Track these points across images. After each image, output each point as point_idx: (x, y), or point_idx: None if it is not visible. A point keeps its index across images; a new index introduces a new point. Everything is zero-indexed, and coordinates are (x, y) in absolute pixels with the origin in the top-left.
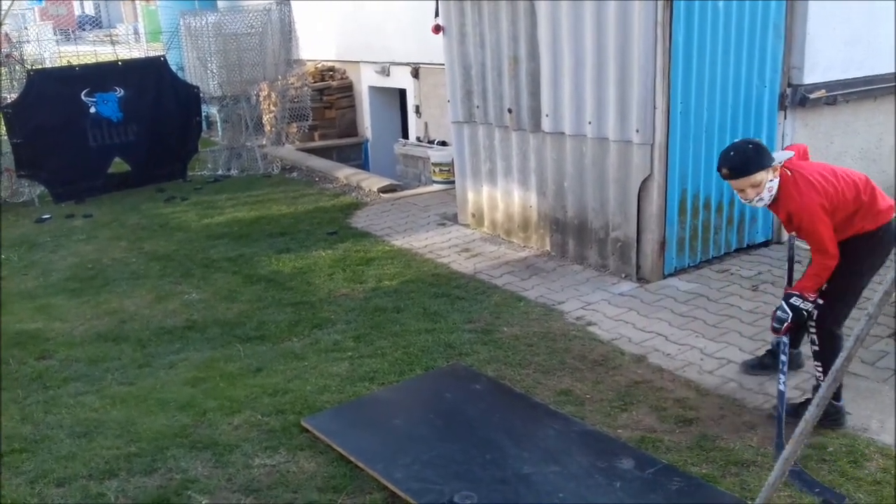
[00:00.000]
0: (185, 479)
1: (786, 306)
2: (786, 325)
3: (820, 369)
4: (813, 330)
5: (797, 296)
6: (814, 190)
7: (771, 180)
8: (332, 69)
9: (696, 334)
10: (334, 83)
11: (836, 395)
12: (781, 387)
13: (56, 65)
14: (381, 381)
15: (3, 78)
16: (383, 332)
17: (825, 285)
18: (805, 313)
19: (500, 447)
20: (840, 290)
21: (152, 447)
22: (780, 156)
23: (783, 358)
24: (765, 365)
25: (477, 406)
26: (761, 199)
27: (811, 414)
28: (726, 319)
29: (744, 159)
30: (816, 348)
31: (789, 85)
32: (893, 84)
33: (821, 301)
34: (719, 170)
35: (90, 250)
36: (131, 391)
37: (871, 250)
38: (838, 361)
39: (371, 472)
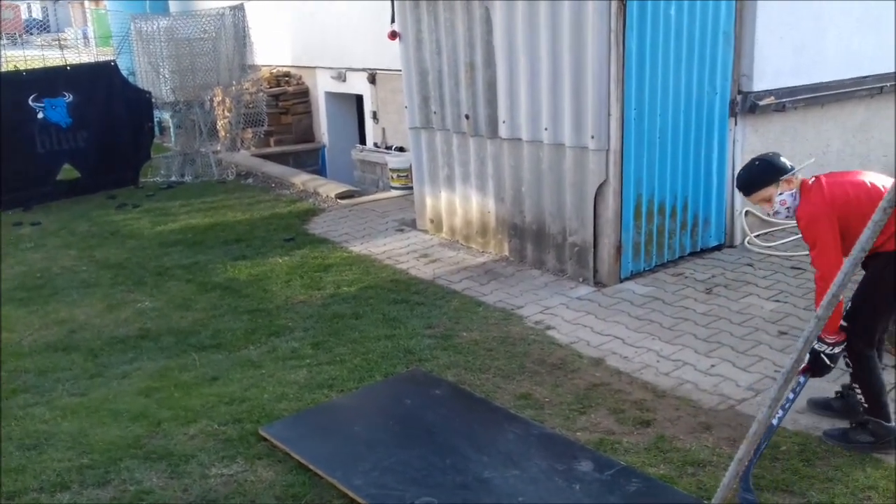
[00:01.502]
0: (139, 490)
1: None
2: (802, 366)
3: (859, 392)
4: (845, 354)
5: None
6: (819, 195)
7: (781, 193)
8: (287, 74)
9: (653, 337)
10: (290, 89)
11: (886, 415)
12: (774, 421)
13: (2, 69)
14: (339, 388)
15: None
16: (342, 338)
17: (848, 303)
18: (826, 357)
19: (461, 452)
20: (864, 306)
21: (105, 459)
22: (798, 166)
23: (790, 395)
24: (832, 407)
25: (437, 412)
26: (777, 213)
27: (763, 415)
28: (681, 322)
29: (747, 177)
30: (851, 371)
31: (739, 92)
32: (843, 90)
33: (845, 323)
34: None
35: (39, 259)
36: (83, 402)
37: None
38: (788, 363)
39: (330, 480)
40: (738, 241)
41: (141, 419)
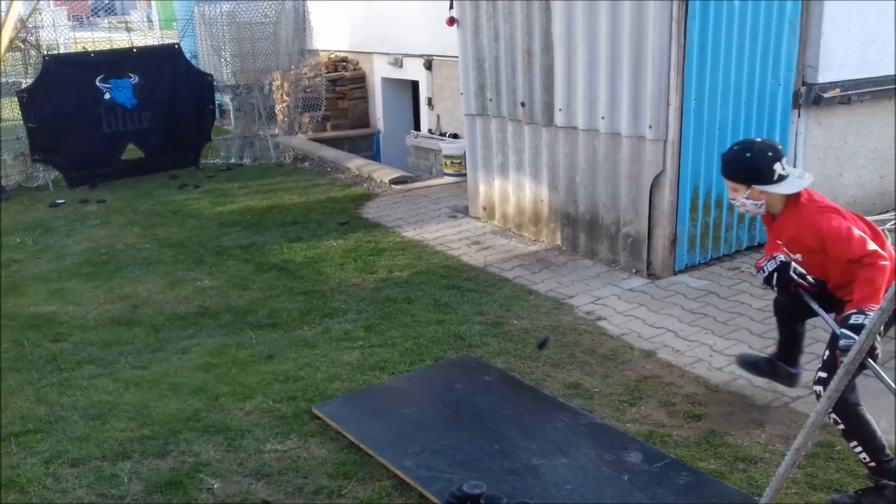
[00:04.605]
0: (197, 462)
1: (847, 332)
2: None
3: (859, 450)
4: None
5: (856, 313)
6: (830, 209)
7: (747, 197)
8: (345, 60)
9: (706, 331)
10: (347, 74)
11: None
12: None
13: (71, 50)
14: (391, 370)
15: (19, 63)
16: (394, 322)
17: (826, 352)
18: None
19: (509, 438)
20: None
21: (165, 430)
22: (788, 187)
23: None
24: (759, 368)
25: (486, 397)
26: (736, 205)
27: (822, 406)
28: (736, 317)
29: (728, 160)
30: (842, 427)
31: (803, 83)
32: None
33: (823, 374)
34: None
35: (103, 235)
36: (144, 375)
37: None
38: (850, 355)
39: (381, 460)
40: None
41: (199, 393)
